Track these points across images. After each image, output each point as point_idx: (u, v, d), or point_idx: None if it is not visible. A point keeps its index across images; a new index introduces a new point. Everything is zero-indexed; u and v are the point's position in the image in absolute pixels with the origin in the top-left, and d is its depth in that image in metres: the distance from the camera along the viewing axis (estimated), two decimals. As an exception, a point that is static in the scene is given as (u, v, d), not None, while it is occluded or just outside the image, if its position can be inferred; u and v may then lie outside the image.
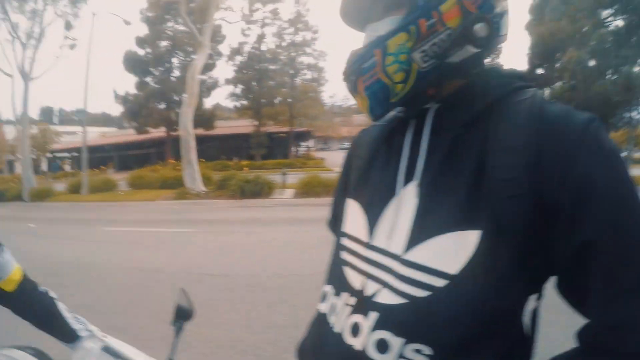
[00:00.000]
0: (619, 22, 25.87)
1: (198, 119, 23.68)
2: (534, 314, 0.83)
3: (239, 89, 38.08)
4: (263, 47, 37.69)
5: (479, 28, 0.81)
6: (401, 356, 0.77)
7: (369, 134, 1.07)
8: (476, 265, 0.74)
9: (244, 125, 38.63)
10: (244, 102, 38.28)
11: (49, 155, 41.80)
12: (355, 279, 0.88)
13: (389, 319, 0.79)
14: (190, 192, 16.63)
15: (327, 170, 22.91)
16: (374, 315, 0.81)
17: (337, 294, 0.92)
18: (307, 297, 4.61)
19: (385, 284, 0.81)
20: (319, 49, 40.15)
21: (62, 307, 1.44)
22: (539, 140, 0.73)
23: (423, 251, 0.78)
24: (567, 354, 0.79)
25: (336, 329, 0.88)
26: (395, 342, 0.77)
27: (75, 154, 38.89)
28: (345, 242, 0.95)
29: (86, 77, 29.46)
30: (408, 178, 0.86)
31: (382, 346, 0.79)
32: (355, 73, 0.85)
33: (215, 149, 36.16)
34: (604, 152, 0.72)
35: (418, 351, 0.76)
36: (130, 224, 11.84)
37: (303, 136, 43.07)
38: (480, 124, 0.81)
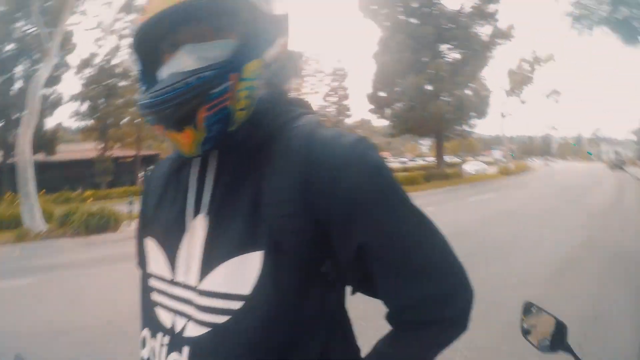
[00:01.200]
0: (456, 55, 31.13)
1: (38, 141, 20.88)
2: (343, 313, 0.95)
3: (84, 107, 35.16)
4: (116, 61, 35.14)
5: (301, 62, 1.04)
6: None
7: (161, 168, 1.06)
8: (265, 283, 0.78)
9: (88, 149, 35.85)
10: (89, 122, 35.51)
11: None
12: (165, 318, 0.89)
13: (199, 350, 0.81)
14: (30, 233, 14.87)
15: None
16: (186, 350, 0.82)
17: (154, 335, 0.91)
18: None
19: (189, 317, 0.83)
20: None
21: None
22: (308, 163, 0.79)
23: (214, 278, 0.81)
24: (385, 336, 0.92)
25: None
26: None
27: None
28: (152, 282, 0.94)
29: None
30: (197, 210, 0.88)
31: None
32: (194, 101, 0.77)
33: (58, 177, 32.69)
34: (368, 167, 0.80)
35: None
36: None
37: (152, 160, 41.29)
38: (260, 152, 0.85)
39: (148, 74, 0.89)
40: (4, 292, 8.48)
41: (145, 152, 37.18)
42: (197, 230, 0.86)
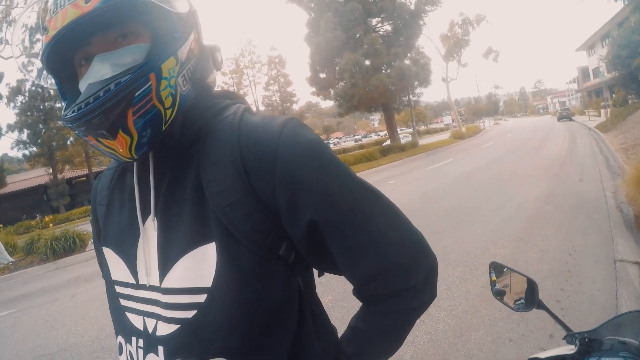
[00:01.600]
0: (388, 27, 30.91)
1: None
2: (312, 296, 0.96)
3: (25, 135, 33.87)
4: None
5: (219, 55, 0.97)
6: None
7: (104, 179, 1.06)
8: (224, 272, 0.79)
9: (39, 176, 35.07)
10: (34, 149, 34.22)
11: None
12: (136, 321, 0.90)
13: (174, 347, 0.81)
14: None
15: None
16: (161, 349, 0.83)
17: (128, 340, 0.92)
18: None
19: (158, 317, 0.84)
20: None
21: None
22: (242, 149, 0.81)
23: (175, 275, 0.82)
24: (357, 312, 0.97)
25: None
26: None
27: None
28: (118, 289, 0.95)
29: None
30: (145, 213, 0.88)
31: None
32: (119, 107, 0.76)
33: (12, 209, 32.00)
34: (301, 145, 0.81)
35: None
36: None
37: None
38: (193, 149, 0.87)
39: (68, 91, 0.90)
40: None
41: (97, 168, 36.47)
42: (149, 232, 0.87)
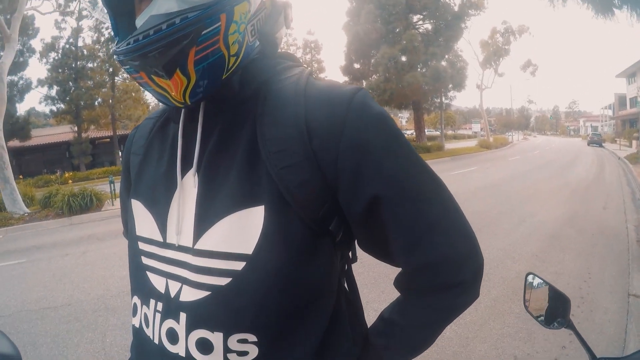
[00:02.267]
0: (428, 26, 30.60)
1: (10, 128, 20.30)
2: (349, 276, 0.92)
3: (54, 91, 34.18)
4: (80, 43, 34.23)
5: (290, 12, 0.91)
6: (228, 350, 0.74)
7: (143, 128, 1.00)
8: (270, 240, 0.73)
9: (64, 133, 35.29)
10: (61, 106, 34.50)
11: None
12: (158, 283, 0.83)
13: (199, 316, 0.76)
14: (11, 217, 14.85)
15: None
16: (183, 316, 0.77)
17: (145, 302, 0.86)
18: None
19: (185, 280, 0.78)
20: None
21: None
22: (307, 111, 0.75)
23: (211, 237, 0.76)
24: (392, 304, 0.89)
25: (155, 340, 0.82)
26: (215, 338, 0.75)
27: None
28: (141, 245, 0.89)
29: None
30: (186, 168, 0.82)
31: (204, 346, 0.75)
32: (181, 44, 0.69)
33: (35, 162, 32.52)
34: (372, 116, 0.75)
35: (243, 341, 0.74)
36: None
37: (129, 140, 40.44)
38: (249, 105, 0.81)
39: (122, 27, 0.83)
40: None
41: (121, 131, 36.66)
42: (188, 187, 0.81)
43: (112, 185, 15.87)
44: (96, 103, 34.61)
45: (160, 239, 0.84)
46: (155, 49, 0.68)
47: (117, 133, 36.22)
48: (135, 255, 0.91)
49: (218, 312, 0.75)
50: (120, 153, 37.22)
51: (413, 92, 28.36)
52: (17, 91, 31.17)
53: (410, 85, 26.99)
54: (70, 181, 20.31)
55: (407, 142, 0.79)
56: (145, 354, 0.87)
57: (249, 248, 0.73)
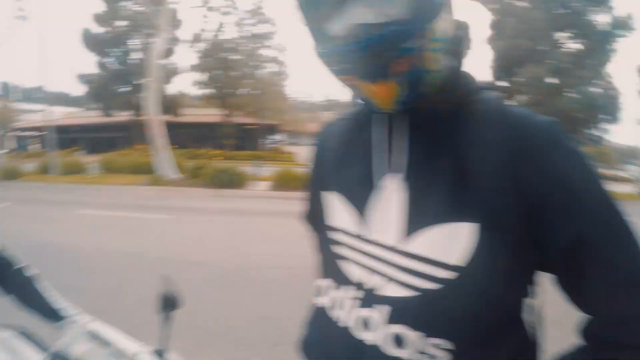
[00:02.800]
0: (576, 45, 27.16)
1: (163, 104, 22.59)
2: (536, 311, 0.88)
3: (204, 76, 36.64)
4: (223, 37, 36.22)
5: (470, 33, 0.90)
6: (422, 351, 0.78)
7: (337, 127, 1.05)
8: (482, 256, 0.75)
9: (211, 115, 37.85)
10: (210, 91, 36.97)
11: (14, 132, 40.17)
12: (354, 272, 0.88)
13: (403, 312, 0.80)
14: (164, 179, 16.56)
15: (299, 164, 23.32)
16: (386, 309, 0.81)
17: (338, 287, 0.91)
18: (296, 291, 4.91)
19: (389, 277, 0.83)
20: (278, 43, 39.95)
21: (43, 284, 1.41)
22: (514, 135, 0.76)
23: (420, 242, 0.79)
24: (573, 351, 0.83)
25: (341, 324, 0.88)
26: (413, 336, 0.78)
27: (41, 133, 37.19)
28: (336, 235, 0.94)
29: (41, 52, 27.95)
30: (386, 170, 0.86)
31: (399, 341, 0.79)
32: (396, 51, 0.72)
33: (184, 136, 35.02)
34: (573, 150, 0.75)
35: (437, 346, 0.77)
36: (105, 207, 11.63)
37: (271, 129, 42.47)
38: (454, 119, 0.82)
39: (315, 29, 0.85)
40: (144, 221, 9.86)
41: (266, 121, 38.26)
42: (392, 190, 0.84)
43: (255, 169, 16.74)
44: (241, 92, 36.35)
45: (360, 233, 0.88)
46: (372, 54, 0.71)
47: (261, 122, 37.94)
48: (327, 242, 0.98)
49: (425, 313, 0.79)
50: (262, 142, 39.15)
51: (565, 119, 24.84)
52: (166, 74, 33.22)
53: (560, 111, 23.63)
54: (216, 158, 21.63)
55: (605, 185, 0.77)
56: (329, 335, 0.92)
57: (459, 260, 0.76)
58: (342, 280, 0.91)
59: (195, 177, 16.65)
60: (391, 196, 0.84)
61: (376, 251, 0.85)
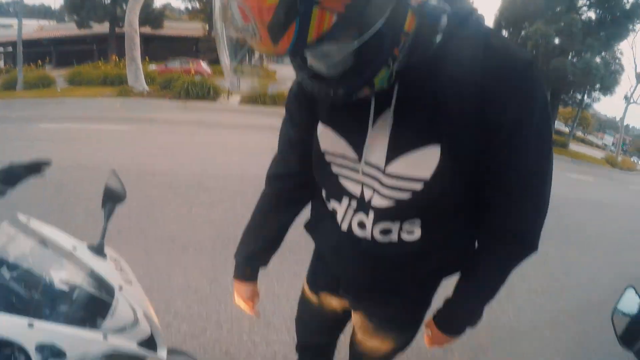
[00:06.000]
0: (592, 14, 27.28)
1: (146, 16, 21.69)
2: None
3: None
4: None
5: None
6: (401, 229, 1.07)
7: None
8: (444, 169, 0.94)
9: (193, 29, 36.74)
10: (196, 5, 36.13)
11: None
12: (353, 187, 1.11)
13: (382, 214, 1.06)
14: (133, 91, 16.13)
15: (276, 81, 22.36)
16: (372, 214, 1.08)
17: (338, 199, 1.16)
18: (246, 198, 4.99)
19: (376, 191, 1.05)
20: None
21: None
22: (487, 75, 0.86)
23: (400, 164, 0.98)
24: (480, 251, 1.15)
25: (344, 227, 1.16)
26: (394, 225, 1.07)
27: (9, 49, 35.71)
28: (328, 157, 1.13)
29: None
30: (380, 107, 0.97)
31: (385, 232, 1.09)
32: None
33: (162, 49, 34.15)
34: (537, 99, 0.88)
35: (412, 222, 1.06)
36: (69, 120, 11.31)
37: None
38: (436, 62, 0.89)
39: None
40: (107, 133, 9.49)
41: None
42: (383, 125, 0.98)
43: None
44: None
45: (356, 157, 1.06)
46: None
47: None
48: (322, 164, 1.15)
49: (396, 212, 1.05)
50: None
51: (556, 79, 25.73)
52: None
53: (556, 71, 24.75)
54: (192, 71, 21.03)
55: (549, 128, 0.97)
56: (332, 236, 1.22)
57: (426, 174, 0.96)
58: (341, 193, 1.14)
59: (166, 89, 16.30)
60: (382, 127, 0.98)
61: (369, 171, 1.05)
